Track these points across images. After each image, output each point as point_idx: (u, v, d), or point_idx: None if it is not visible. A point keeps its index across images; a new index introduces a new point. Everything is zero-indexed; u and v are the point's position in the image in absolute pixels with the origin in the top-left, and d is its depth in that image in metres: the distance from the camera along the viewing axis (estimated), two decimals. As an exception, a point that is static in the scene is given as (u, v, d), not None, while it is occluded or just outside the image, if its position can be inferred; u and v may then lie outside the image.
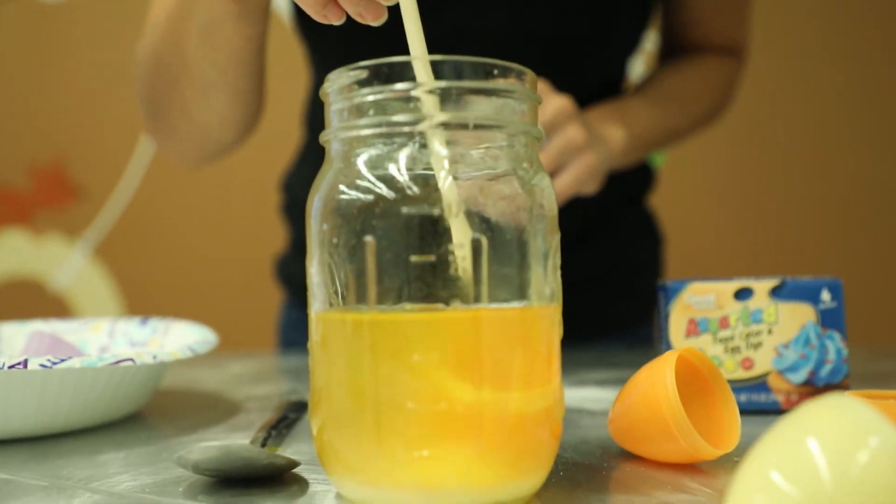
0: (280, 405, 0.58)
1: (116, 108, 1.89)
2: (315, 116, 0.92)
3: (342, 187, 0.36)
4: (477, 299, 0.35)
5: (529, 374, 0.36)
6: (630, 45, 0.85)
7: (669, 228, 1.03)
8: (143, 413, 0.59)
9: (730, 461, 0.44)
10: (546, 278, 0.37)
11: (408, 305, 0.35)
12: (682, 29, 0.90)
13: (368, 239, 0.35)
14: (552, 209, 0.37)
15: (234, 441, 0.38)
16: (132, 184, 1.93)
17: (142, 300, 1.90)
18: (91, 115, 1.92)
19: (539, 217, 0.36)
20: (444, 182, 0.34)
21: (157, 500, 0.39)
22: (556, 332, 0.38)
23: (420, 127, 0.35)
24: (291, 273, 0.95)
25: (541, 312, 0.36)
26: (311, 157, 0.92)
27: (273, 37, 0.86)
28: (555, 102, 0.66)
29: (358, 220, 0.35)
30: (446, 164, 0.34)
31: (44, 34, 1.91)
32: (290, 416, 0.54)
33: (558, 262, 0.38)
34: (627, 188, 0.91)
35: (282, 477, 0.42)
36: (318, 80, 0.89)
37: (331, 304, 0.37)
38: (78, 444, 0.51)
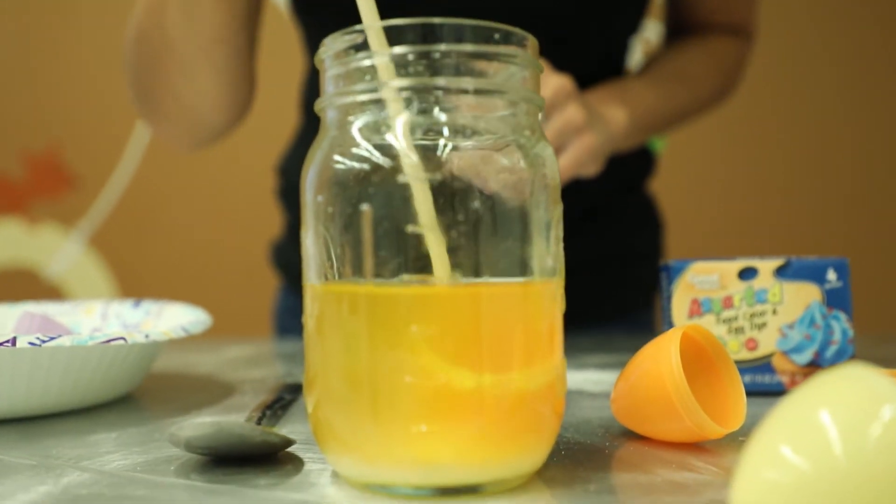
0: (275, 387, 0.57)
1: (112, 95, 1.87)
2: (311, 100, 0.91)
3: (337, 157, 0.35)
4: (477, 272, 0.34)
5: (531, 348, 0.35)
6: (631, 23, 0.84)
7: (669, 215, 1.02)
8: (135, 395, 0.58)
9: (735, 441, 0.43)
10: (548, 250, 0.36)
11: (406, 276, 0.33)
12: (688, 7, 0.89)
13: (365, 208, 0.34)
14: (555, 179, 0.36)
15: (227, 418, 0.37)
16: (127, 173, 1.91)
17: (137, 289, 1.89)
18: (86, 103, 1.90)
19: (541, 187, 0.35)
20: (407, 155, 0.33)
21: (148, 478, 0.38)
22: (558, 306, 0.37)
23: (380, 94, 0.34)
24: (287, 259, 0.94)
25: (543, 286, 0.35)
26: (307, 142, 0.91)
27: (267, 21, 0.85)
28: (554, 81, 0.65)
29: (354, 189, 0.34)
30: (403, 132, 0.33)
31: (38, 20, 1.90)
32: (285, 398, 0.53)
33: (561, 234, 0.37)
34: (627, 174, 0.89)
35: (276, 456, 0.41)
36: (314, 64, 0.88)
37: (326, 277, 0.36)
38: (68, 424, 0.49)
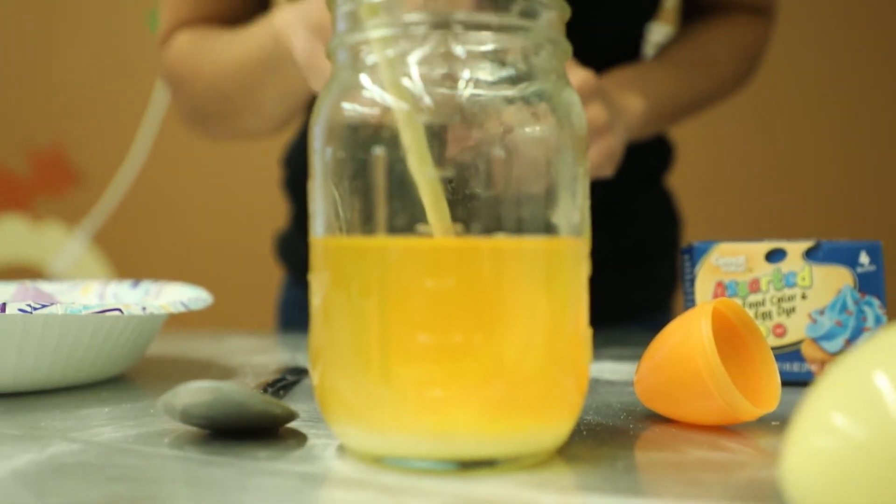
0: (278, 369, 0.54)
1: (117, 93, 1.86)
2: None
3: (345, 104, 0.33)
4: (498, 226, 0.31)
5: (555, 309, 0.32)
6: (646, 9, 0.81)
7: (687, 208, 0.98)
8: (130, 375, 0.56)
9: (768, 425, 0.40)
10: (575, 205, 0.33)
11: (422, 227, 0.31)
12: None
13: (376, 153, 0.31)
14: (582, 129, 0.33)
15: (225, 383, 0.35)
16: (132, 170, 1.89)
17: (140, 288, 1.86)
18: (92, 100, 1.88)
19: (568, 137, 0.33)
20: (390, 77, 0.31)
21: (139, 449, 0.36)
22: (584, 267, 0.34)
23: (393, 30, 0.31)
24: (293, 250, 0.91)
25: (568, 243, 0.33)
26: None
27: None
28: (578, 77, 0.61)
29: (364, 136, 0.32)
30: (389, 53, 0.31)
31: (44, 15, 1.88)
32: (287, 378, 0.50)
33: (587, 190, 0.34)
34: (644, 167, 0.86)
35: (277, 431, 0.38)
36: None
37: (334, 234, 0.33)
38: (58, 399, 0.47)
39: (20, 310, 0.43)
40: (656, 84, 0.73)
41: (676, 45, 0.81)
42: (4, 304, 0.43)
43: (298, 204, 0.90)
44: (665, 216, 0.91)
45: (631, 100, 0.69)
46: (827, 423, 0.26)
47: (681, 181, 1.02)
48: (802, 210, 1.74)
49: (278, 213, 1.06)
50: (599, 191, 0.77)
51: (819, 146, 1.74)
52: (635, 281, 0.87)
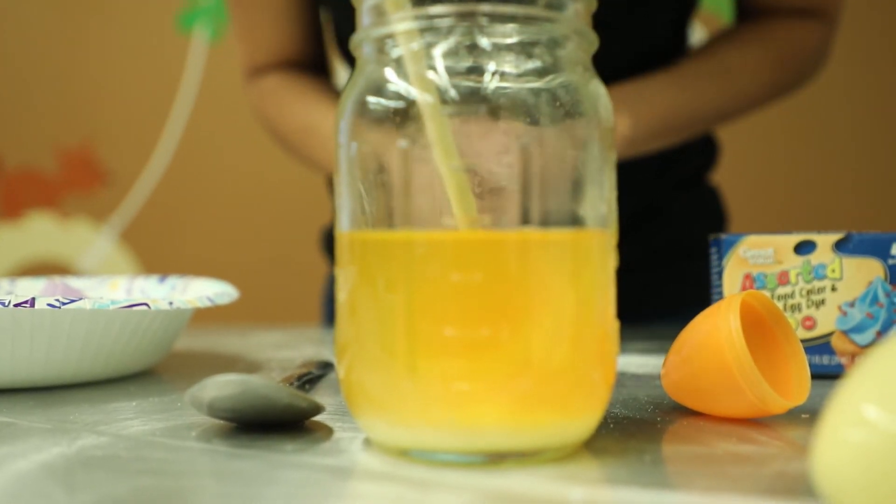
0: (305, 363, 0.54)
1: (144, 92, 1.87)
2: None
3: (370, 97, 0.33)
4: (525, 218, 0.31)
5: (582, 302, 0.32)
6: (676, 6, 0.78)
7: (735, 206, 0.96)
8: (157, 370, 0.56)
9: (797, 418, 0.40)
10: (602, 197, 0.33)
11: (448, 220, 0.31)
12: None
13: (401, 147, 0.31)
14: (609, 120, 0.33)
15: (252, 377, 0.35)
16: (159, 169, 1.91)
17: (167, 285, 1.87)
18: (119, 99, 1.90)
19: (595, 128, 0.32)
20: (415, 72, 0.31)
21: (167, 442, 0.36)
22: (611, 259, 0.34)
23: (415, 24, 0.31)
24: None
25: (595, 235, 0.33)
26: None
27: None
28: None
29: (391, 129, 0.32)
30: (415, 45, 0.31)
31: (72, 17, 1.90)
32: (314, 372, 0.50)
33: (615, 181, 0.34)
34: (691, 168, 0.84)
35: (303, 424, 0.39)
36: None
37: (360, 228, 0.33)
38: (87, 393, 0.47)
39: (49, 305, 0.43)
40: (651, 101, 0.69)
41: (696, 56, 0.77)
42: (34, 299, 0.43)
43: None
44: (707, 214, 0.88)
45: (617, 120, 0.66)
46: (859, 416, 0.26)
47: (727, 177, 1.00)
48: (850, 203, 1.71)
49: (302, 209, 1.07)
50: (641, 195, 0.76)
51: (856, 140, 1.72)
52: (671, 278, 0.86)
